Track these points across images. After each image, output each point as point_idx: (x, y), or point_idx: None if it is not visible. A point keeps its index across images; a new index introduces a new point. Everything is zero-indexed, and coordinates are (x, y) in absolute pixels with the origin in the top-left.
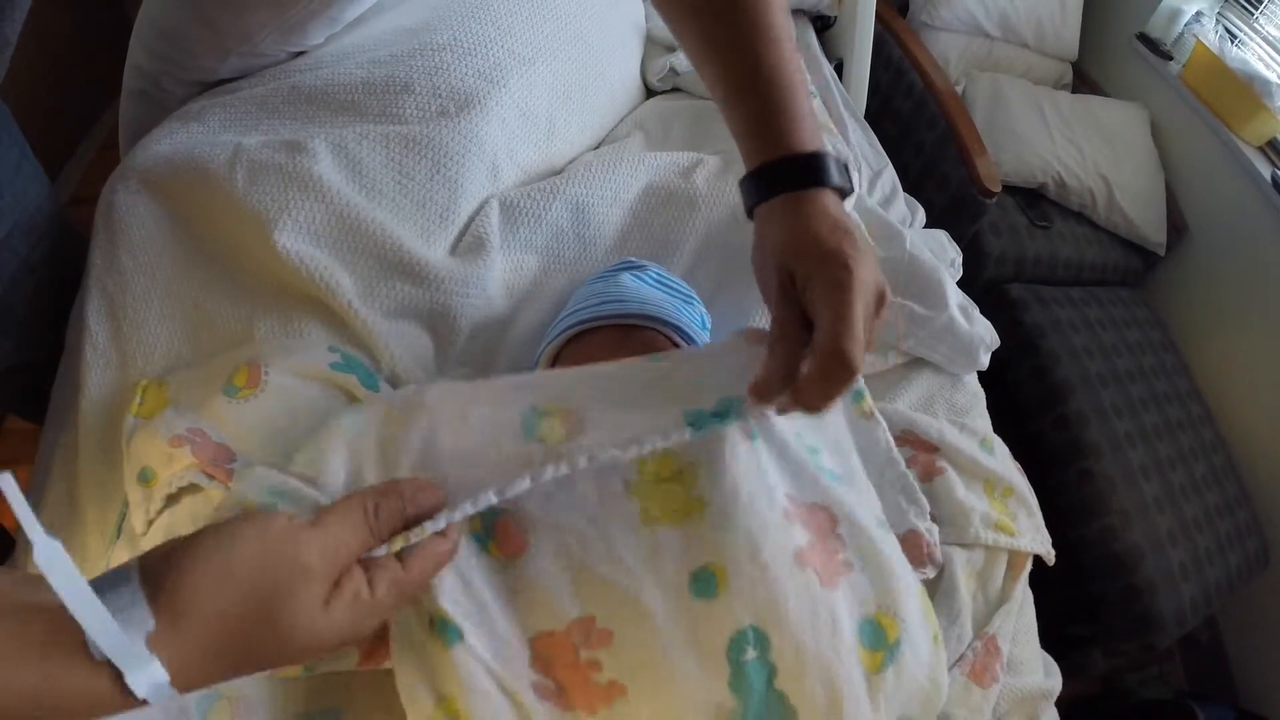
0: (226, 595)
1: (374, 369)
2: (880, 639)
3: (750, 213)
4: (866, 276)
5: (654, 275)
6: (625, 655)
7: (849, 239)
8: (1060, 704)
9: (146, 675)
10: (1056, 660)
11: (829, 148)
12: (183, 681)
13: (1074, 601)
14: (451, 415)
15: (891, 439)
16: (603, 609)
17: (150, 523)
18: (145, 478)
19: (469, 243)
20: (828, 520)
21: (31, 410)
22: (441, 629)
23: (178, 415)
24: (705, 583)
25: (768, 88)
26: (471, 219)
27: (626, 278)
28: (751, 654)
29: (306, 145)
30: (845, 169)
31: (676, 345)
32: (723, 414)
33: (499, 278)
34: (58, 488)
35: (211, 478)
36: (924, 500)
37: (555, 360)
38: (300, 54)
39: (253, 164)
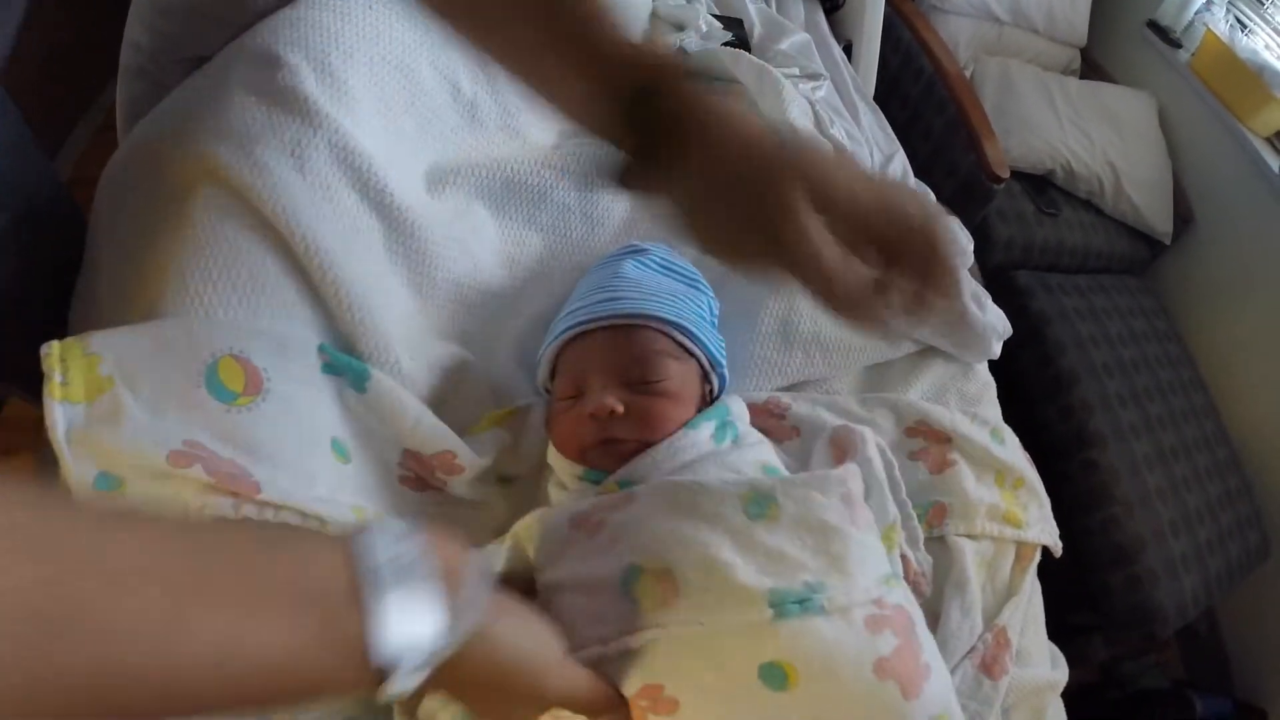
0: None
1: (361, 359)
2: None
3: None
4: None
5: (659, 259)
6: None
7: None
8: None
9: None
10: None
11: None
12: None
13: (1075, 590)
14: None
15: (895, 463)
16: (670, 679)
17: None
18: (107, 485)
19: (455, 195)
20: (909, 619)
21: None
22: None
23: (156, 419)
24: (774, 677)
25: None
26: (457, 172)
27: (630, 266)
28: None
29: (286, 60)
30: None
31: (678, 344)
32: (804, 602)
33: (493, 246)
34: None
35: (235, 495)
36: (918, 528)
37: (556, 362)
38: None
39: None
